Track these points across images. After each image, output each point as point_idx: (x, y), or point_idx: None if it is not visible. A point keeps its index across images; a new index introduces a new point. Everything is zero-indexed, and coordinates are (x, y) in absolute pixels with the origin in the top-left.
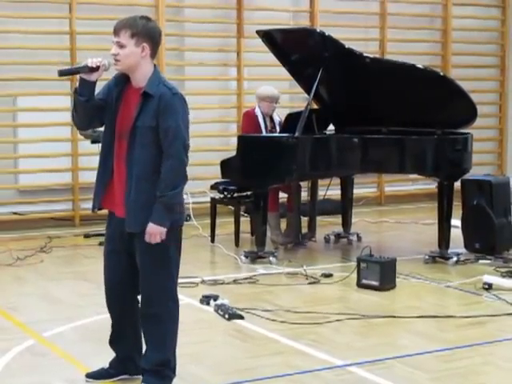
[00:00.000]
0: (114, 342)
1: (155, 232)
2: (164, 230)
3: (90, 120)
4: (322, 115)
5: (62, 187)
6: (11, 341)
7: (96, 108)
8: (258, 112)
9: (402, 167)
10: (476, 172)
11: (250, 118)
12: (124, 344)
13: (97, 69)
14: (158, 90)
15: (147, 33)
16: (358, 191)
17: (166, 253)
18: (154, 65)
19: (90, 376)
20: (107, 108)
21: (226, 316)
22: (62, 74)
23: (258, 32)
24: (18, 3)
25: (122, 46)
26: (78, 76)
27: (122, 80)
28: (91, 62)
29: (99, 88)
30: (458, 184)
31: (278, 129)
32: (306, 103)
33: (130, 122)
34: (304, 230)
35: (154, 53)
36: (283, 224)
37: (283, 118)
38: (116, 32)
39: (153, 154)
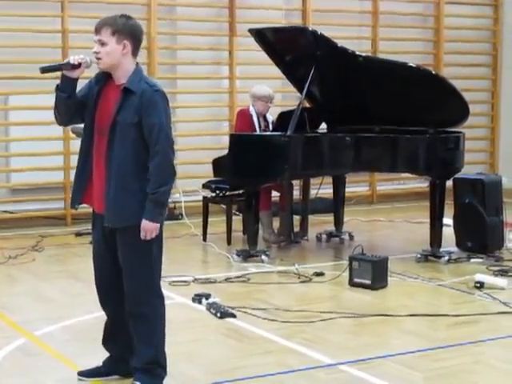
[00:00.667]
0: (106, 341)
1: (149, 228)
2: (157, 225)
3: (71, 116)
4: (314, 114)
5: (53, 186)
6: (2, 340)
7: (77, 105)
8: (252, 111)
9: (394, 166)
10: (468, 171)
11: (244, 117)
12: (117, 344)
13: (79, 66)
14: (139, 86)
15: (128, 30)
16: (349, 190)
17: (147, 249)
18: (137, 63)
19: (81, 374)
20: (88, 105)
21: (218, 315)
22: (43, 70)
23: (250, 31)
24: (10, 1)
25: (103, 44)
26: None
27: (103, 77)
28: (73, 59)
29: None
30: (449, 183)
31: (271, 128)
32: (298, 102)
33: (110, 117)
34: (296, 228)
35: (135, 50)
36: (276, 223)
37: (275, 117)
38: (97, 30)
39: (133, 149)
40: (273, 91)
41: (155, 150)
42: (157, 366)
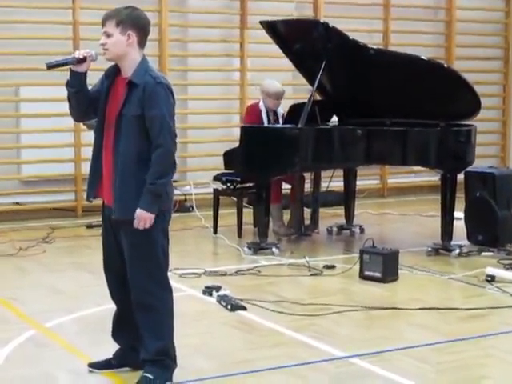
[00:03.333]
0: (116, 333)
1: (143, 217)
2: (152, 216)
3: (85, 111)
4: (325, 107)
5: (64, 178)
6: (13, 331)
7: (90, 99)
8: (262, 106)
9: (406, 159)
10: (479, 164)
11: (253, 112)
12: (126, 335)
13: (84, 60)
14: (143, 79)
15: (132, 21)
16: (360, 183)
17: (152, 241)
18: (144, 55)
19: (92, 366)
20: (100, 99)
21: (229, 307)
22: (49, 66)
23: (261, 23)
24: None
25: (108, 36)
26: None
27: (113, 71)
28: (78, 53)
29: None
30: (461, 176)
31: (280, 121)
32: (310, 94)
33: (117, 110)
34: (307, 221)
35: (141, 41)
36: (286, 215)
37: (286, 110)
38: (103, 22)
39: (137, 142)
40: (283, 84)
41: (157, 143)
42: (166, 357)
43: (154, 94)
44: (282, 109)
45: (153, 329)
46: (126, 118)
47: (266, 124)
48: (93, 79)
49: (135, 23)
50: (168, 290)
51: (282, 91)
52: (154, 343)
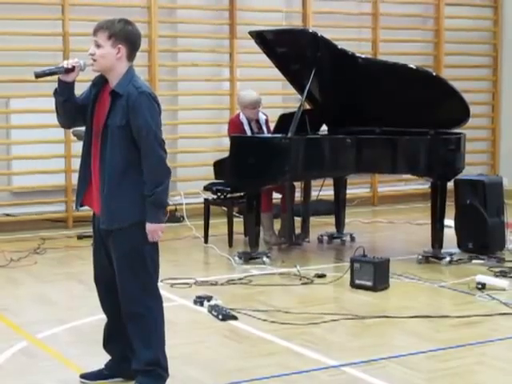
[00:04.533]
0: (107, 344)
1: (154, 229)
2: (160, 225)
3: (73, 119)
4: (314, 116)
5: (55, 188)
6: (4, 342)
7: (78, 108)
8: (242, 118)
9: (396, 167)
10: (469, 172)
11: (235, 126)
12: (118, 345)
13: (72, 69)
14: (126, 89)
15: (124, 35)
16: (351, 191)
17: (139, 251)
18: (130, 65)
19: (83, 376)
20: (88, 109)
21: (220, 317)
22: (38, 75)
23: (250, 33)
24: (10, 5)
25: (99, 46)
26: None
27: (100, 81)
28: (67, 63)
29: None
30: (451, 184)
31: (264, 128)
32: (299, 104)
33: (102, 121)
34: (297, 230)
35: (130, 55)
36: (277, 224)
37: (276, 119)
38: (95, 32)
39: (123, 152)
40: (273, 93)
41: (145, 153)
42: (157, 367)
43: (137, 104)
44: (264, 114)
45: (144, 339)
46: (111, 128)
47: (249, 135)
48: (80, 90)
49: (127, 37)
50: (158, 299)
51: (257, 99)
52: (145, 353)
